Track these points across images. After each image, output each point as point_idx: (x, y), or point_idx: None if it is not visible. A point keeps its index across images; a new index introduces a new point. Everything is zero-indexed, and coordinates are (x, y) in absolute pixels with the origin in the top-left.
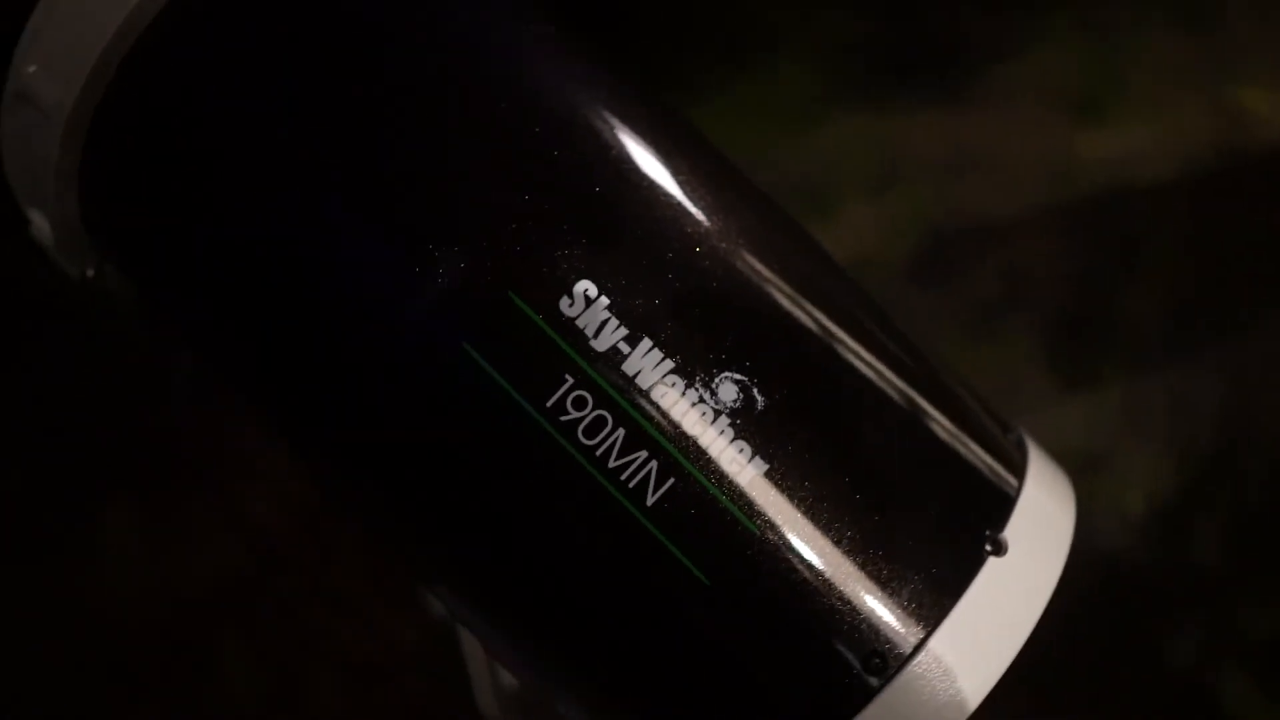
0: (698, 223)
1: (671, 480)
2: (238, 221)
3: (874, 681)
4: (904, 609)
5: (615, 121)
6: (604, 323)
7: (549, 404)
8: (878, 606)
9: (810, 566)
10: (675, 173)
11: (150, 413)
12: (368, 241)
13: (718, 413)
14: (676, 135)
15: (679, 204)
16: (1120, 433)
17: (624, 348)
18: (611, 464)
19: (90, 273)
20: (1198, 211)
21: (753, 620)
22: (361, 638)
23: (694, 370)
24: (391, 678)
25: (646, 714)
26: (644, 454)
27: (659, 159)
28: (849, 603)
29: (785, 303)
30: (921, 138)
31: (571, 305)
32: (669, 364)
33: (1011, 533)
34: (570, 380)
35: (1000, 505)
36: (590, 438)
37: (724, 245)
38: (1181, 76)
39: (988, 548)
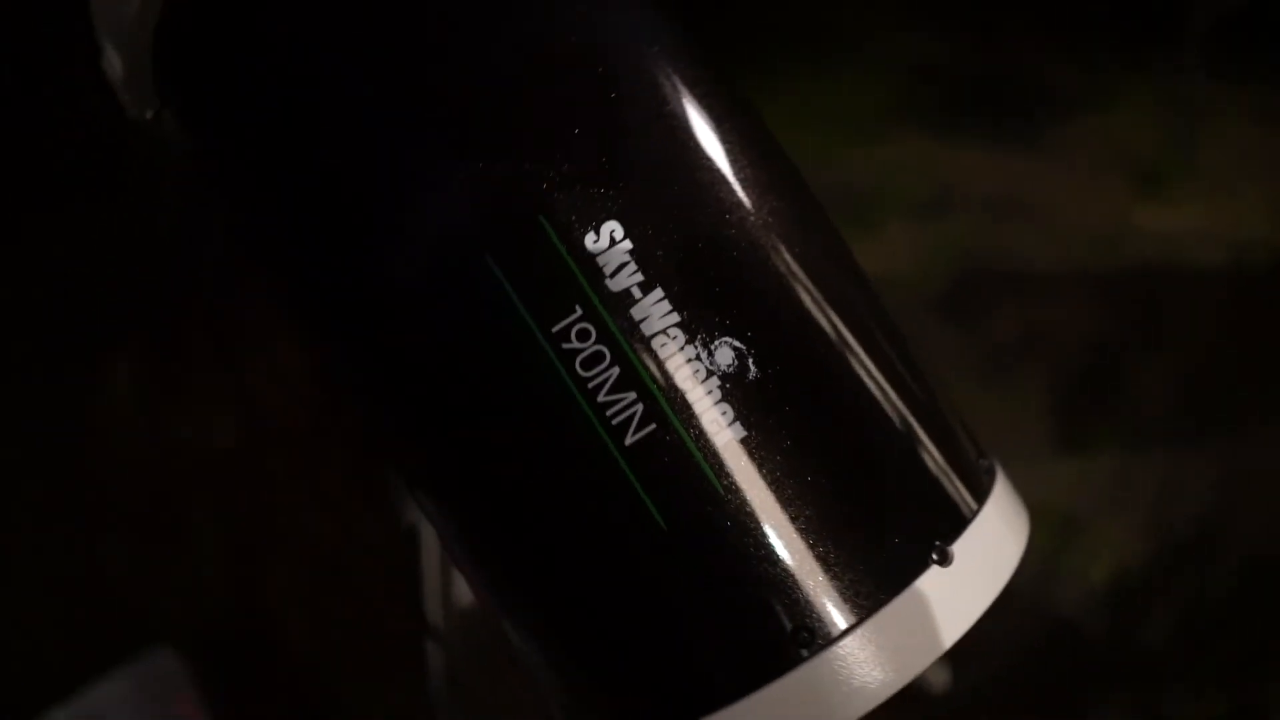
0: (733, 192)
1: (653, 426)
2: (298, 86)
3: (801, 652)
4: (842, 593)
5: (677, 80)
6: (622, 265)
7: (554, 329)
8: (818, 585)
9: (764, 534)
10: (724, 141)
11: (170, 289)
12: (419, 126)
13: (710, 373)
14: (734, 108)
15: (720, 171)
16: (1103, 502)
17: (636, 293)
18: (600, 398)
19: (150, 115)
20: (1234, 302)
21: (701, 571)
22: (330, 532)
23: (697, 328)
24: (351, 575)
25: (587, 643)
26: (632, 395)
27: (712, 125)
28: (792, 575)
29: (797, 288)
30: (979, 173)
31: (596, 241)
32: (675, 317)
33: (959, 549)
34: (579, 312)
35: (955, 522)
36: (586, 369)
37: (753, 220)
38: (1248, 169)
39: (934, 556)
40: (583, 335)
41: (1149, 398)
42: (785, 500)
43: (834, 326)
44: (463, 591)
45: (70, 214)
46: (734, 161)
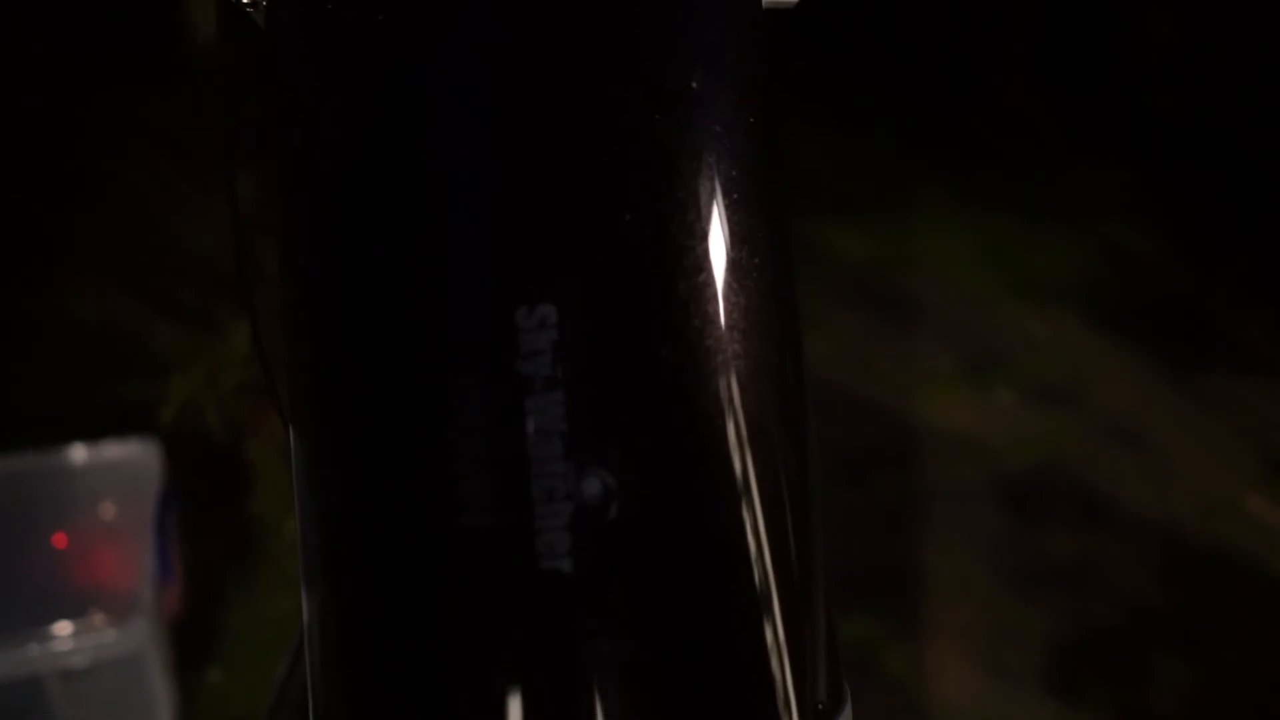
0: (697, 340)
1: (489, 519)
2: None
3: None
4: None
5: (698, 209)
6: (538, 352)
7: (452, 381)
8: None
9: (555, 673)
10: (713, 281)
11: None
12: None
13: (569, 496)
14: (754, 252)
15: (692, 313)
16: None
17: (539, 385)
18: (459, 467)
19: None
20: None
21: (471, 686)
22: None
23: (578, 448)
24: None
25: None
26: (486, 481)
27: (711, 261)
28: None
29: (713, 459)
30: (1118, 386)
31: (528, 317)
32: (563, 426)
33: None
34: (478, 376)
35: None
36: (460, 434)
37: (698, 378)
38: None
39: None
40: (472, 398)
41: (1162, 682)
42: (588, 661)
43: (730, 506)
44: None
45: None
46: (711, 307)
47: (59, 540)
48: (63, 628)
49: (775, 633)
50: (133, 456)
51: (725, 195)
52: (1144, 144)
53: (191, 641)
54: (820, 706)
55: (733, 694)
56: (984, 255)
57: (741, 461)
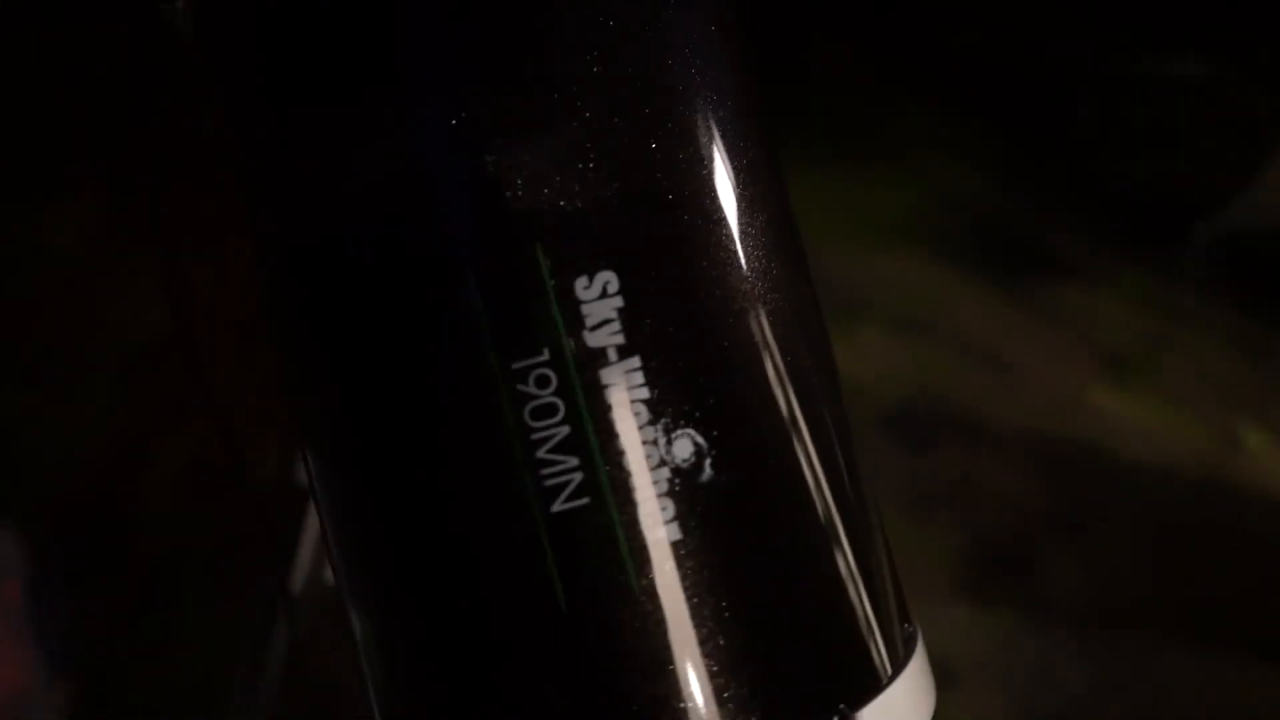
0: (743, 282)
1: (585, 500)
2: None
3: None
4: None
5: (721, 147)
6: (606, 321)
7: (514, 366)
8: None
9: (665, 651)
10: (750, 225)
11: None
12: (444, 88)
13: (664, 461)
14: (770, 190)
15: (736, 256)
16: (981, 662)
17: (612, 355)
18: (539, 454)
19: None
20: (1156, 510)
21: (586, 668)
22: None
23: (663, 411)
24: (233, 493)
25: (438, 692)
26: (575, 461)
27: (743, 205)
28: (679, 705)
29: (778, 398)
30: (967, 312)
31: (587, 289)
32: (644, 392)
33: (864, 718)
34: (545, 356)
35: (865, 687)
36: (535, 419)
37: (754, 316)
38: (1204, 385)
39: (836, 718)
40: (541, 382)
41: (1055, 578)
42: (697, 620)
43: (805, 449)
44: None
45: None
46: (753, 249)
47: None
48: None
49: (866, 570)
50: None
51: (742, 138)
52: (948, 82)
53: None
54: (907, 627)
55: (838, 636)
56: (831, 209)
57: (811, 402)
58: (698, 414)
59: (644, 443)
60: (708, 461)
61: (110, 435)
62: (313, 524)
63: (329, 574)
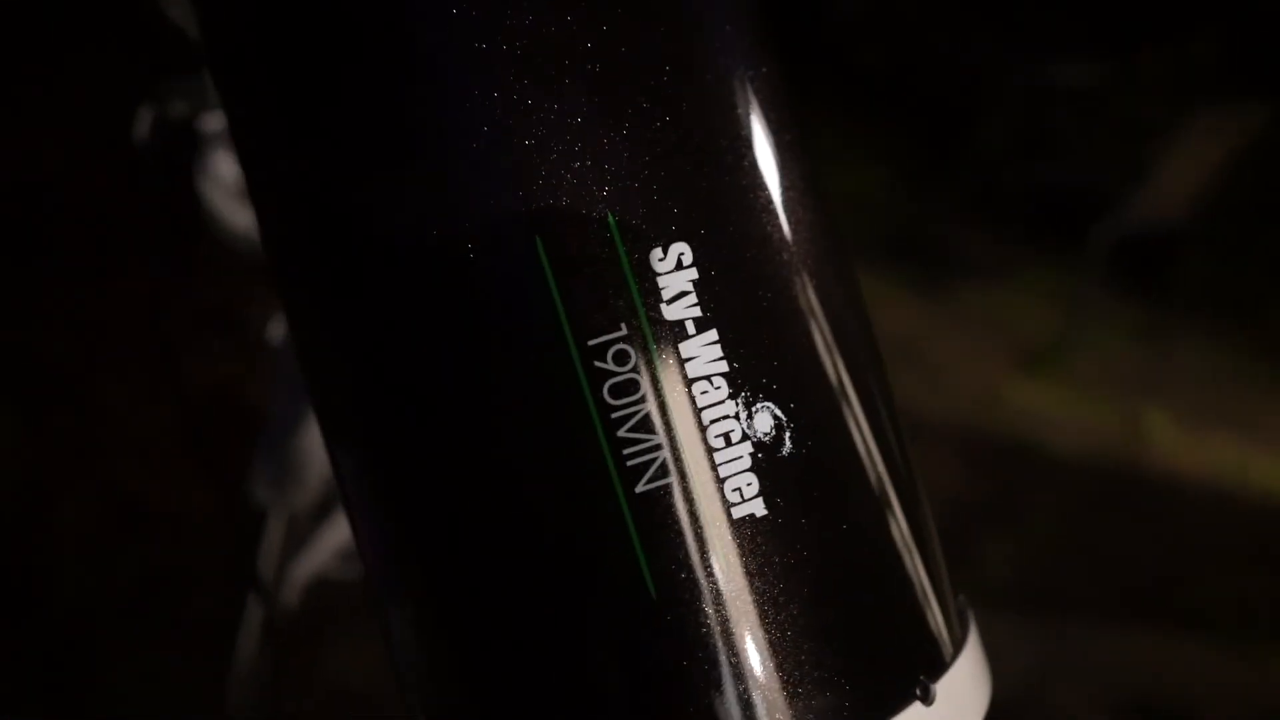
0: (810, 259)
1: (670, 479)
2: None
3: None
4: (818, 714)
5: (775, 128)
6: (683, 294)
7: (591, 343)
8: (795, 700)
9: (756, 629)
10: (809, 205)
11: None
12: (499, 64)
13: (746, 436)
14: (810, 166)
15: (802, 233)
16: None
17: (690, 327)
18: (622, 433)
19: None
20: (1076, 494)
21: (676, 654)
22: (139, 482)
23: (743, 384)
24: (154, 531)
25: (520, 682)
26: (657, 439)
27: (793, 179)
28: (773, 683)
29: (845, 372)
30: (884, 311)
31: (662, 260)
32: (723, 365)
33: (940, 690)
34: (623, 330)
35: (938, 659)
36: (614, 397)
37: (818, 291)
38: (1112, 374)
39: (918, 692)
40: (620, 358)
41: (992, 567)
42: (786, 596)
43: (870, 420)
44: (299, 576)
45: None
46: (813, 227)
47: None
48: None
49: (926, 539)
50: None
51: (784, 113)
52: (856, 96)
53: None
54: (960, 597)
55: (911, 608)
56: None
57: (869, 372)
58: (775, 386)
59: (726, 417)
60: (788, 434)
61: (13, 481)
62: (271, 544)
63: (292, 600)
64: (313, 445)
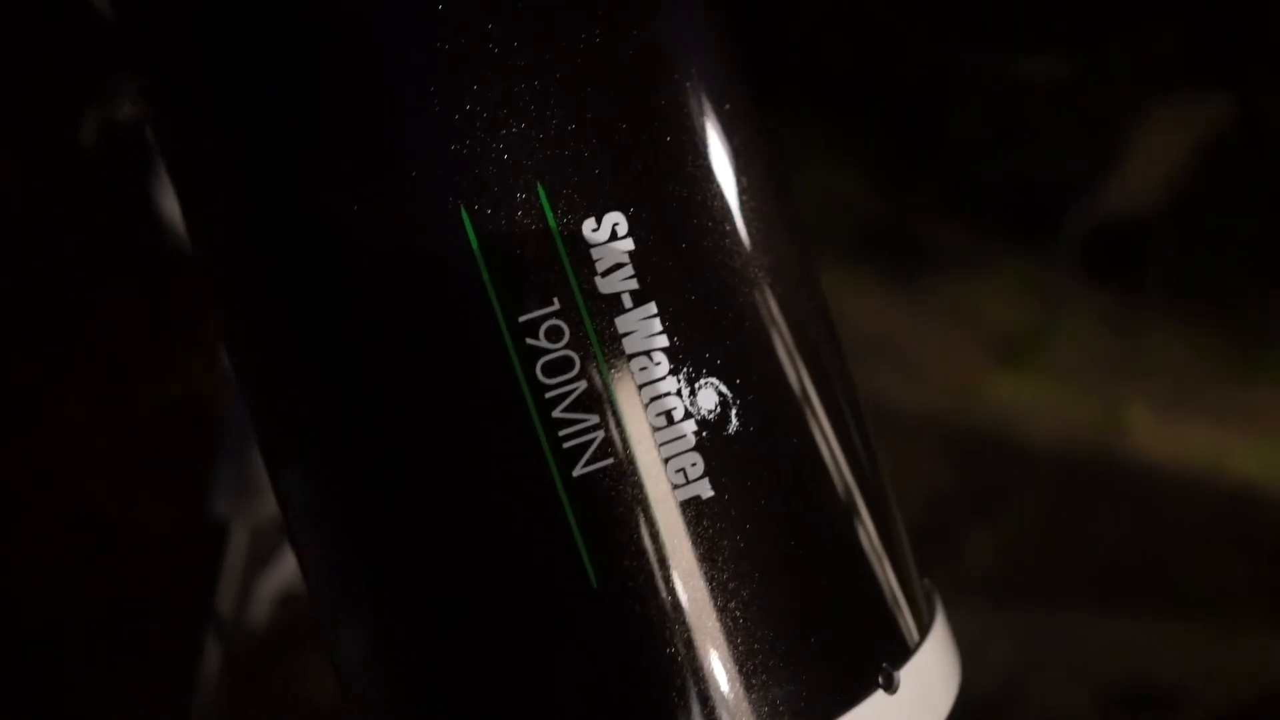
0: (754, 229)
1: (609, 461)
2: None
3: None
4: (774, 708)
5: (720, 94)
6: (618, 265)
7: (522, 319)
8: (750, 692)
9: (708, 617)
10: (751, 172)
11: None
12: (420, 59)
13: (689, 414)
14: (758, 139)
15: (744, 203)
16: None
17: (627, 300)
18: (556, 413)
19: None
20: (1057, 484)
21: (621, 646)
22: (105, 501)
23: (685, 359)
24: (116, 551)
25: (460, 681)
26: (594, 419)
27: (740, 148)
28: (727, 674)
29: (792, 346)
30: (861, 307)
31: (595, 230)
32: (664, 340)
33: (904, 676)
34: (555, 305)
35: (902, 645)
36: (548, 376)
37: (765, 265)
38: (1090, 364)
39: (880, 680)
40: (553, 334)
41: (973, 558)
42: (737, 582)
43: (822, 395)
44: (265, 591)
45: None
46: (756, 196)
47: None
48: None
49: (889, 522)
50: None
51: (728, 85)
52: (827, 94)
53: None
54: (926, 581)
55: (872, 594)
56: None
57: (822, 351)
58: (719, 361)
59: (667, 394)
60: (733, 411)
61: None
62: (235, 556)
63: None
64: None
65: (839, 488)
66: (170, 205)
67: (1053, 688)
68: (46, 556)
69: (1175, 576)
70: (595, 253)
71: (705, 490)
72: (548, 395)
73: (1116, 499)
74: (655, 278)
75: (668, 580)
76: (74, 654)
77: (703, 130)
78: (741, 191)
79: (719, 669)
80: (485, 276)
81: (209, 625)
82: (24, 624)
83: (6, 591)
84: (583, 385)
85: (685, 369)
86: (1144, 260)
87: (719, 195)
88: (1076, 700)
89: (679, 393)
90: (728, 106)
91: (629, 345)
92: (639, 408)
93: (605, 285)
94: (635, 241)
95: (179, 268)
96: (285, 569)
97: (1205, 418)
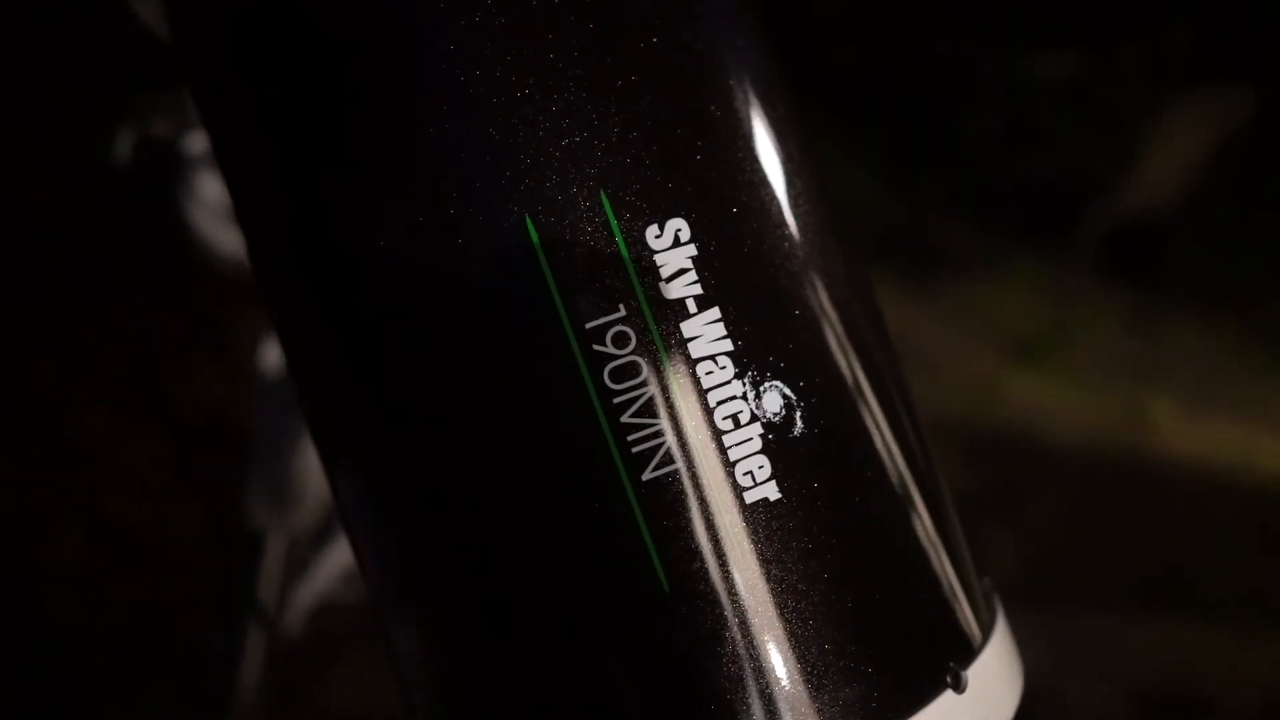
0: (808, 231)
1: (677, 465)
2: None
3: None
4: (846, 708)
5: (773, 104)
6: (682, 271)
7: (589, 325)
8: (821, 694)
9: (778, 620)
10: (807, 181)
11: None
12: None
13: (755, 417)
14: (806, 145)
15: (803, 209)
16: None
17: (691, 306)
18: (625, 418)
19: None
20: (1079, 486)
21: (692, 651)
22: (133, 516)
23: (749, 363)
24: (146, 566)
25: (531, 681)
26: (662, 424)
27: (791, 154)
28: (796, 676)
29: (854, 350)
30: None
31: (659, 237)
32: (728, 344)
33: (971, 676)
34: (622, 312)
35: (967, 645)
36: (615, 381)
37: (823, 267)
38: (1109, 363)
39: (949, 679)
40: (620, 340)
41: (997, 559)
42: (805, 583)
43: (881, 397)
44: (301, 601)
45: None
46: (810, 199)
47: None
48: None
49: (948, 521)
50: None
51: (778, 93)
52: (837, 96)
53: None
54: (985, 580)
55: (937, 594)
56: None
57: (877, 351)
58: (783, 364)
59: (733, 398)
60: (798, 414)
61: (3, 514)
62: (272, 566)
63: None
64: (310, 465)
65: (900, 487)
66: (199, 219)
67: (1081, 691)
68: (76, 570)
69: (1204, 576)
70: (659, 259)
71: (773, 492)
72: (615, 400)
73: (1142, 498)
74: (718, 282)
75: (738, 582)
76: (104, 667)
77: (758, 134)
78: (796, 195)
79: (788, 670)
80: (551, 283)
81: (245, 636)
82: (55, 637)
83: (37, 605)
84: (650, 390)
85: (750, 372)
86: (1161, 259)
87: (775, 199)
88: (1105, 703)
89: (744, 396)
90: (780, 110)
91: (694, 350)
92: (706, 412)
93: (669, 291)
94: (698, 247)
95: (206, 280)
96: (320, 580)
97: (1229, 414)
